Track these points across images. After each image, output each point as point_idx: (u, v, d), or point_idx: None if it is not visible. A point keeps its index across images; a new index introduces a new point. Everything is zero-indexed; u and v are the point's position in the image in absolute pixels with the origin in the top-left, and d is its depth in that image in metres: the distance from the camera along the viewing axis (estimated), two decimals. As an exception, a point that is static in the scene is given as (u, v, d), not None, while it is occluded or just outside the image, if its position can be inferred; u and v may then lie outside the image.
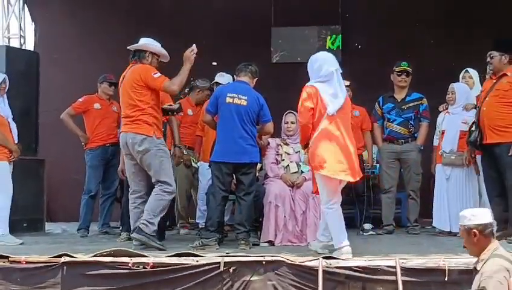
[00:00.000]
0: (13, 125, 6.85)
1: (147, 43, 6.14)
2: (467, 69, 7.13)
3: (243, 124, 5.94)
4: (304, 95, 5.41)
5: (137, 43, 6.13)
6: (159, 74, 5.90)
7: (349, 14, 9.37)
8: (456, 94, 6.79)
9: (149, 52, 6.06)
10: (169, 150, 6.68)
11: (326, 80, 5.38)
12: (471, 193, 6.63)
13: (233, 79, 6.83)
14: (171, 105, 6.45)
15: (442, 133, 6.85)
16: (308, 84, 5.48)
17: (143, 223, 5.79)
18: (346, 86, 7.29)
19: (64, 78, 9.30)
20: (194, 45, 6.02)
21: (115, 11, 9.52)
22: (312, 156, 5.33)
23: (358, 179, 5.37)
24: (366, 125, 7.55)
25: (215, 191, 5.96)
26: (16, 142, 6.79)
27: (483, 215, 4.04)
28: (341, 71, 5.50)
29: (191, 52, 5.95)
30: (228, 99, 5.95)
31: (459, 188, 6.71)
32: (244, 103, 5.96)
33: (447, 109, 6.93)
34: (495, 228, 4.01)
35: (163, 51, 6.15)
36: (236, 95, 5.98)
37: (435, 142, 7.09)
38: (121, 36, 9.31)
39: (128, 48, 6.07)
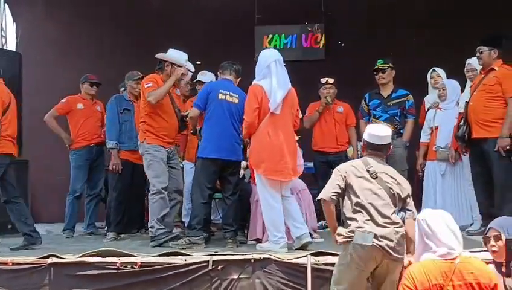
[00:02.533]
0: None
1: (167, 53, 6.27)
2: (434, 68, 7.24)
3: (233, 122, 5.96)
4: (249, 94, 5.64)
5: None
6: (150, 84, 6.05)
7: (332, 12, 9.39)
8: (447, 90, 6.84)
9: (168, 62, 6.18)
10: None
11: (267, 72, 5.61)
12: (467, 187, 6.61)
13: (216, 77, 6.84)
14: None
15: (436, 129, 6.90)
16: (253, 82, 5.69)
17: (149, 230, 6.06)
18: (330, 83, 7.45)
19: (46, 79, 9.21)
20: (190, 73, 6.49)
21: (98, 12, 9.45)
22: (251, 153, 5.69)
23: (293, 178, 5.72)
24: (350, 121, 7.62)
25: (202, 189, 5.91)
26: None
27: (372, 135, 4.50)
28: (283, 64, 5.68)
29: (180, 71, 6.14)
30: (221, 96, 5.93)
31: (455, 183, 6.75)
32: (236, 101, 5.97)
33: (437, 106, 6.99)
34: (382, 148, 4.48)
35: (183, 62, 6.24)
36: (228, 93, 5.98)
37: (423, 139, 7.15)
38: (104, 36, 9.32)
39: (156, 56, 6.28)
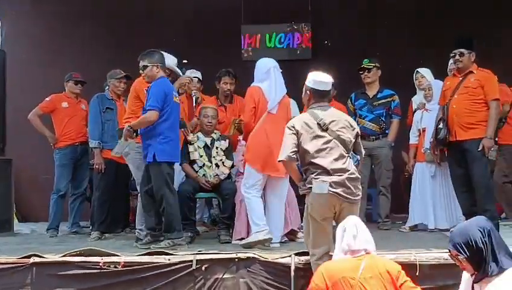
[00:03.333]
0: None
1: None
2: (417, 69, 7.22)
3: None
4: (247, 95, 5.93)
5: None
6: None
7: (318, 11, 9.38)
8: (433, 90, 6.82)
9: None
10: None
11: (266, 77, 5.86)
12: None
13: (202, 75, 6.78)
14: None
15: (423, 130, 6.89)
16: (252, 85, 5.93)
17: (138, 231, 5.98)
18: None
19: (30, 77, 9.16)
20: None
21: (82, 11, 9.40)
22: (247, 149, 5.90)
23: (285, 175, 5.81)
24: None
25: (171, 190, 5.76)
26: None
27: (319, 81, 4.80)
28: (280, 70, 5.94)
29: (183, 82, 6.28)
30: (174, 98, 5.87)
31: (445, 184, 6.75)
32: (178, 101, 6.03)
33: (424, 106, 6.99)
34: (326, 95, 4.86)
35: (172, 65, 6.25)
36: (176, 93, 5.96)
37: (412, 140, 7.14)
38: (88, 36, 9.26)
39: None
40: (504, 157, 7.31)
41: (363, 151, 4.98)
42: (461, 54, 6.13)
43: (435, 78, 7.09)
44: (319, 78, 4.82)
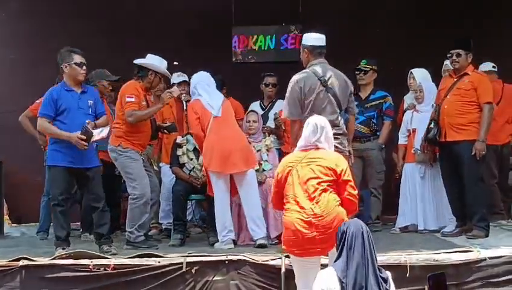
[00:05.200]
0: None
1: (147, 60, 6.23)
2: (411, 70, 7.18)
3: None
4: (188, 111, 6.21)
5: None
6: (132, 99, 6.00)
7: (309, 13, 9.36)
8: (424, 92, 6.83)
9: (152, 71, 6.16)
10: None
11: (202, 91, 6.11)
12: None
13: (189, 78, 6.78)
14: (164, 122, 6.67)
15: (413, 131, 6.89)
16: (191, 101, 6.22)
17: (127, 234, 5.98)
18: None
19: (22, 78, 9.11)
20: (175, 87, 6.36)
21: (74, 11, 9.37)
22: (203, 155, 6.02)
23: (250, 168, 6.01)
24: None
25: None
26: None
27: (314, 38, 5.41)
28: (215, 84, 6.26)
29: (167, 96, 6.11)
30: None
31: (434, 185, 6.76)
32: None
33: (414, 107, 6.99)
34: (323, 52, 5.42)
35: (165, 71, 6.29)
36: None
37: (401, 141, 7.14)
38: (81, 37, 9.22)
39: (134, 62, 6.22)
40: (491, 157, 7.31)
41: (356, 109, 5.69)
42: (458, 55, 6.13)
43: (431, 80, 7.06)
44: (313, 36, 5.41)
